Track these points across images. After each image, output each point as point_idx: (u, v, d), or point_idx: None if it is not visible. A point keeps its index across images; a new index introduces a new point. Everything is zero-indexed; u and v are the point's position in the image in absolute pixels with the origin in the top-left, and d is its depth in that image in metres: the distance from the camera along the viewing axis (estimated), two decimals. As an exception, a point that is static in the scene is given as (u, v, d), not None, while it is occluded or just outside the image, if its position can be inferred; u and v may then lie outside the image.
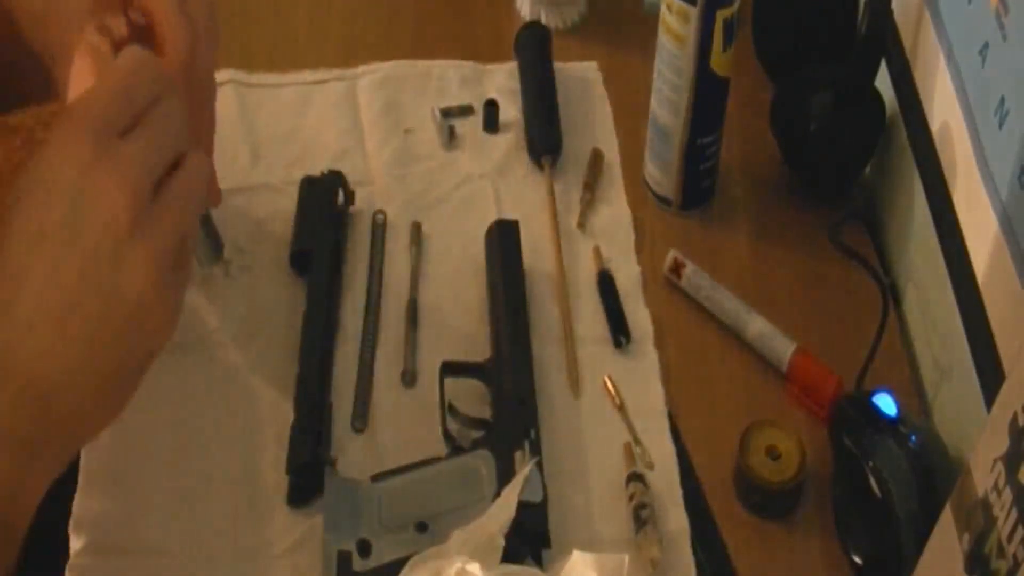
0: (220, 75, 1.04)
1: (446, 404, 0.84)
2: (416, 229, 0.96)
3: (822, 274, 0.95)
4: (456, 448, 0.82)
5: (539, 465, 0.79)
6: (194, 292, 0.91)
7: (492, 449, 0.80)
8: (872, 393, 0.82)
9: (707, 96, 0.92)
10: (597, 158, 1.01)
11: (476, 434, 0.82)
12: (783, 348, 0.88)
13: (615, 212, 0.98)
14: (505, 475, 0.78)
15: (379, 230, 0.96)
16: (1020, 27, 0.74)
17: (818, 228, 0.94)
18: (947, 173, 0.86)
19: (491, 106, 1.03)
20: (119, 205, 0.64)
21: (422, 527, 0.77)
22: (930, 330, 0.90)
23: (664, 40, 0.90)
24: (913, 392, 0.89)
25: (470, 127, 1.03)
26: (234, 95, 1.02)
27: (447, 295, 0.93)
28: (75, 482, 0.82)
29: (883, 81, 0.95)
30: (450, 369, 0.86)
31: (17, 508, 0.66)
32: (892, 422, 0.80)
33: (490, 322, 0.89)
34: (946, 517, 0.63)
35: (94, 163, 0.64)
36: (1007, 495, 0.56)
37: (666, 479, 0.83)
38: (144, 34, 0.74)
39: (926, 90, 0.90)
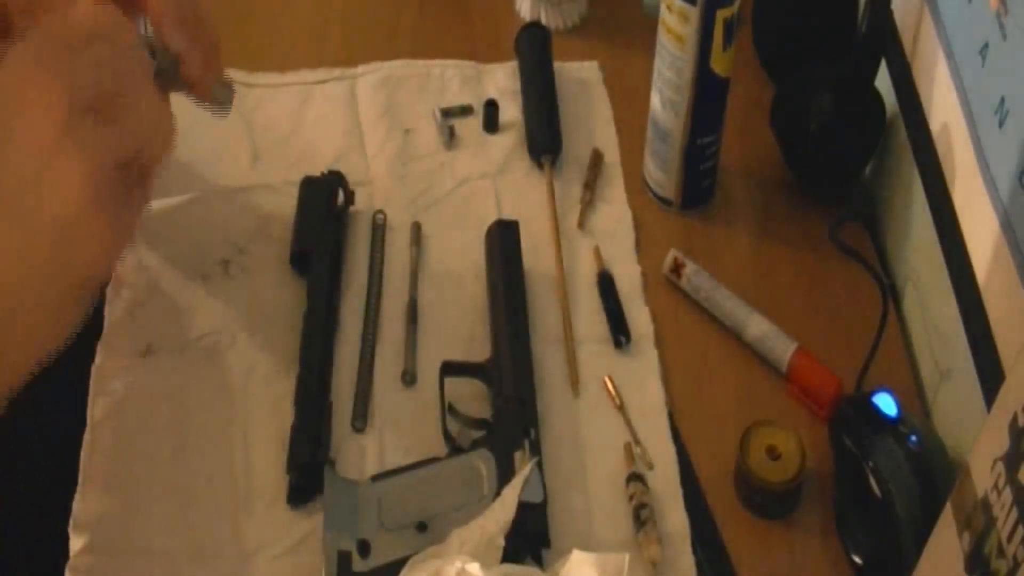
0: (220, 75, 1.04)
1: (446, 404, 0.84)
2: (416, 229, 0.96)
3: (822, 274, 0.95)
4: (456, 448, 0.82)
5: (539, 465, 0.79)
6: (194, 292, 0.91)
7: (492, 449, 0.80)
8: (872, 393, 0.82)
9: (707, 96, 0.92)
10: (597, 158, 1.01)
11: (476, 434, 0.82)
12: (783, 348, 0.88)
13: (615, 212, 0.98)
14: (505, 475, 0.78)
15: (379, 230, 0.96)
16: (1020, 27, 0.74)
17: (818, 228, 0.94)
18: (947, 173, 0.86)
19: (491, 106, 1.03)
20: (48, 114, 0.60)
21: (422, 527, 0.77)
22: (930, 330, 0.90)
23: (664, 40, 0.90)
24: (913, 392, 0.89)
25: (470, 127, 1.03)
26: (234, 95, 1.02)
27: (447, 295, 0.93)
28: (75, 482, 0.82)
29: (883, 81, 0.95)
30: (450, 369, 0.86)
31: None
32: (892, 422, 0.80)
33: (490, 322, 0.89)
34: (946, 517, 0.63)
35: (35, 68, 0.61)
36: (1007, 495, 0.56)
37: (666, 479, 0.83)
38: None
39: (926, 90, 0.90)
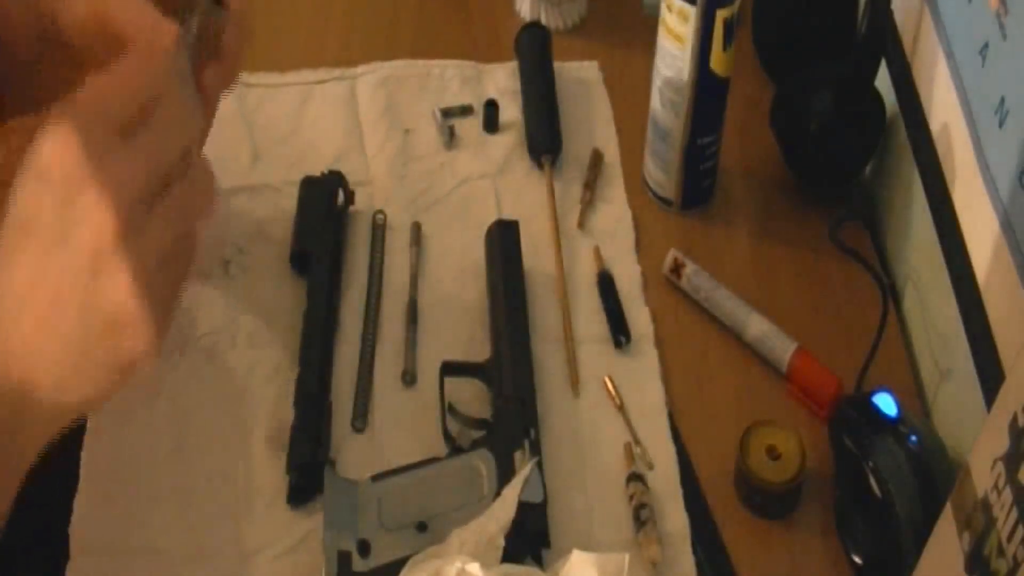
0: (220, 75, 1.04)
1: (446, 404, 0.84)
2: (416, 229, 0.96)
3: (822, 274, 0.95)
4: (456, 448, 0.82)
5: (539, 465, 0.79)
6: (194, 292, 0.91)
7: (492, 449, 0.80)
8: (872, 393, 0.82)
9: (707, 96, 0.92)
10: (597, 158, 1.01)
11: (476, 434, 0.82)
12: (783, 348, 0.88)
13: (615, 212, 0.98)
14: (505, 475, 0.78)
15: (379, 230, 0.96)
16: (1020, 27, 0.74)
17: (818, 228, 0.94)
18: (947, 173, 0.86)
19: (491, 106, 1.03)
20: (108, 219, 0.62)
21: (422, 527, 0.77)
22: (930, 330, 0.90)
23: (664, 40, 0.90)
24: (913, 392, 0.89)
25: (470, 127, 1.03)
26: (234, 95, 1.02)
27: (447, 295, 0.93)
28: (75, 482, 0.82)
29: (883, 81, 0.95)
30: (450, 369, 0.86)
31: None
32: (892, 422, 0.80)
33: (490, 322, 0.89)
34: (946, 517, 0.63)
35: (89, 167, 0.62)
36: (1007, 495, 0.56)
37: (666, 479, 0.83)
38: None
39: (926, 90, 0.90)
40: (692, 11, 0.87)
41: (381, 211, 0.96)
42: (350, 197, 0.95)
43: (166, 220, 0.64)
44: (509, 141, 1.02)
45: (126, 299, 0.62)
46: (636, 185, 1.00)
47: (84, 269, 0.62)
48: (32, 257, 0.63)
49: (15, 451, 0.66)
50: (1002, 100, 0.76)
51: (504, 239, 0.92)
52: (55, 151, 0.62)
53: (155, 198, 0.64)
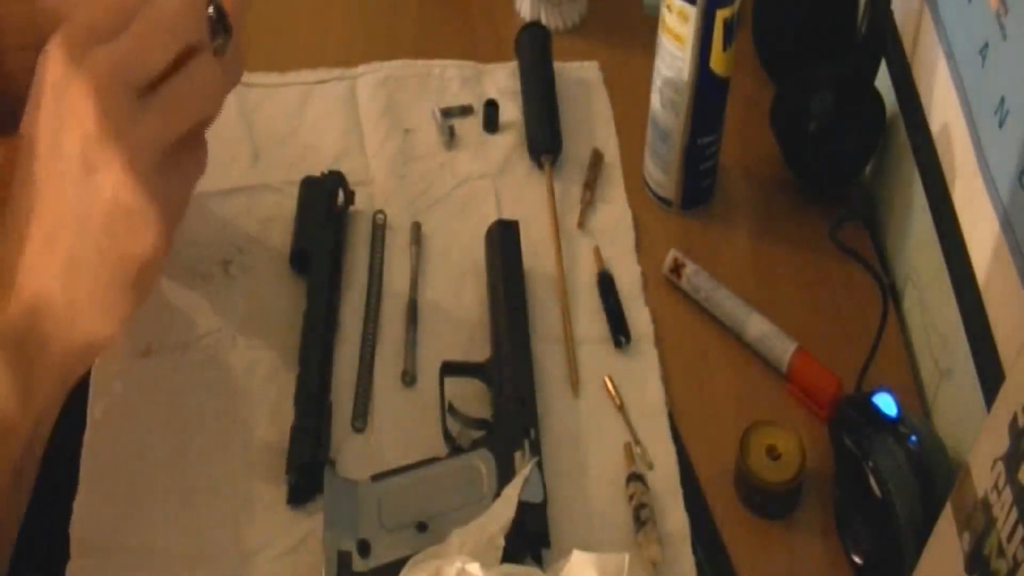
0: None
1: (446, 404, 0.84)
2: (416, 229, 0.96)
3: (822, 274, 0.95)
4: (456, 448, 0.82)
5: (539, 465, 0.79)
6: (194, 292, 0.91)
7: (492, 449, 0.80)
8: (872, 393, 0.82)
9: (707, 96, 0.92)
10: (597, 158, 1.01)
11: (476, 434, 0.82)
12: (783, 348, 0.88)
13: (615, 212, 0.98)
14: (505, 475, 0.78)
15: (379, 230, 0.96)
16: (1020, 27, 0.74)
17: (818, 228, 0.94)
18: (947, 173, 0.86)
19: (491, 106, 1.03)
20: (90, 107, 0.61)
21: (422, 527, 0.77)
22: (930, 330, 0.90)
23: (664, 40, 0.90)
24: (913, 392, 0.89)
25: (470, 127, 1.03)
26: (234, 95, 1.01)
27: (447, 295, 0.93)
28: (75, 482, 0.82)
29: (883, 81, 0.95)
30: (450, 369, 0.86)
31: (21, 411, 0.66)
32: (892, 422, 0.80)
33: (490, 322, 0.89)
34: (946, 517, 0.63)
35: (69, 68, 0.61)
36: (1007, 495, 0.56)
37: (666, 479, 0.83)
38: None
39: (926, 90, 0.90)
40: (692, 11, 0.87)
41: (381, 211, 0.96)
42: (350, 197, 0.95)
43: (163, 112, 0.63)
44: (509, 141, 1.02)
45: (121, 189, 0.61)
46: (636, 185, 1.00)
47: (75, 164, 0.61)
48: (34, 177, 0.63)
49: (42, 375, 0.66)
50: (1002, 100, 0.76)
51: (504, 239, 0.92)
52: (41, 69, 0.62)
53: (149, 90, 0.63)
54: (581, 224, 0.97)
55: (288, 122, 1.03)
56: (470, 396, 0.85)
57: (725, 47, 0.89)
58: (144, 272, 0.66)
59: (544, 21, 1.10)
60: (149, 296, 0.67)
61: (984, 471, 0.58)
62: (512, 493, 0.76)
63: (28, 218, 0.64)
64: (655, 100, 0.94)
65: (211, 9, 0.68)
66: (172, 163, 0.64)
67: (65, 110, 0.62)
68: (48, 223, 0.64)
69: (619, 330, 0.90)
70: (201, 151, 0.68)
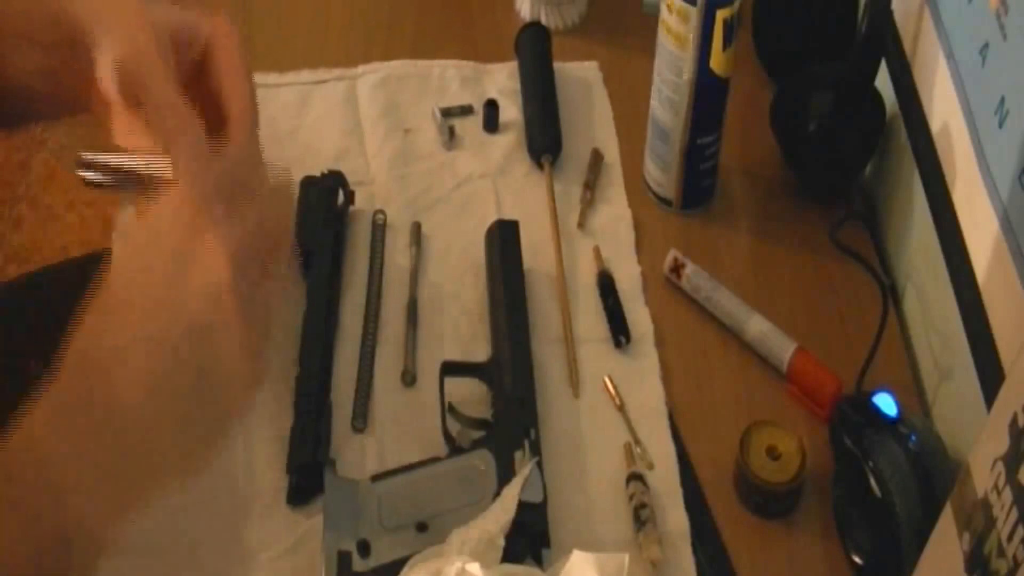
0: (220, 75, 1.04)
1: (446, 404, 0.84)
2: (416, 229, 0.96)
3: (822, 274, 0.95)
4: (456, 448, 0.82)
5: (539, 465, 0.79)
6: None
7: (492, 449, 0.80)
8: (872, 393, 0.82)
9: (707, 96, 0.92)
10: (597, 158, 1.01)
11: (476, 434, 0.82)
12: (783, 348, 0.88)
13: (615, 212, 0.98)
14: (505, 475, 0.78)
15: (379, 230, 0.96)
16: (1020, 27, 0.74)
17: (818, 228, 0.94)
18: (947, 173, 0.86)
19: (491, 106, 1.03)
20: (221, 266, 0.65)
21: (422, 527, 0.77)
22: (930, 330, 0.90)
23: (664, 40, 0.90)
24: (913, 392, 0.89)
25: (470, 127, 1.03)
26: (234, 95, 1.02)
27: (447, 295, 0.93)
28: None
29: (883, 81, 0.95)
30: (450, 369, 0.86)
31: (85, 531, 0.66)
32: (892, 422, 0.80)
33: (490, 322, 0.89)
34: (946, 517, 0.63)
35: (200, 226, 0.65)
36: (1007, 495, 0.56)
37: (666, 479, 0.83)
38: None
39: (926, 90, 0.90)
40: (692, 11, 0.87)
41: (381, 211, 0.96)
42: (350, 197, 0.95)
43: (266, 286, 0.68)
44: (509, 141, 1.02)
45: (235, 344, 0.65)
46: (636, 185, 1.00)
47: (199, 313, 0.64)
48: (145, 300, 0.65)
49: (111, 497, 0.66)
50: (1002, 100, 0.76)
51: (504, 239, 0.92)
52: (167, 215, 0.66)
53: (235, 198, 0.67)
54: (581, 224, 0.97)
55: (288, 122, 1.03)
56: (470, 396, 0.85)
57: (725, 47, 0.89)
58: (226, 425, 0.69)
59: (544, 21, 1.10)
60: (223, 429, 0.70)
61: (984, 471, 0.58)
62: (512, 493, 0.76)
63: (116, 323, 0.65)
64: (655, 100, 0.94)
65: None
66: (256, 280, 0.68)
67: (195, 257, 0.65)
68: (149, 343, 0.65)
69: (619, 330, 0.90)
70: (278, 276, 0.72)
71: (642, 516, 0.80)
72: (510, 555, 0.74)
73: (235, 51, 0.75)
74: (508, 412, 0.83)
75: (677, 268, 0.93)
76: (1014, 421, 0.56)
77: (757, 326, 0.90)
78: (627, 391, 0.88)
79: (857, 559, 0.80)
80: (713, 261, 0.94)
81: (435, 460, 0.81)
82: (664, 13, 0.89)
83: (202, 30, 0.74)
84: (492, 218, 0.94)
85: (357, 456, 0.84)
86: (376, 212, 0.96)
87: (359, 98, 1.05)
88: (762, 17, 1.05)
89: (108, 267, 0.66)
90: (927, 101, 0.90)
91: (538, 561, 0.77)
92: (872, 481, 0.78)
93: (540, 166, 1.00)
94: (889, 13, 0.92)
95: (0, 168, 2.09)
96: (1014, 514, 0.55)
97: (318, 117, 1.04)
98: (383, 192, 0.98)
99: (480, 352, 0.88)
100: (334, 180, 0.95)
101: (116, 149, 0.76)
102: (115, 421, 0.64)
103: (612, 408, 0.87)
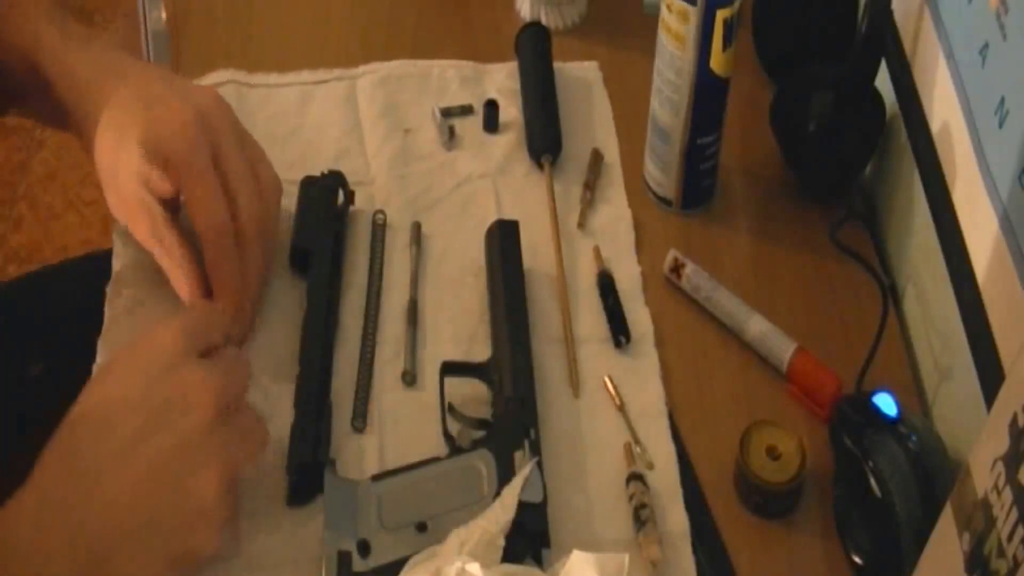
0: (220, 75, 1.05)
1: (446, 404, 0.84)
2: (416, 229, 0.96)
3: (822, 274, 0.95)
4: (456, 448, 0.82)
5: (539, 465, 0.79)
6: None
7: (492, 449, 0.80)
8: (872, 393, 0.82)
9: (707, 96, 0.92)
10: (597, 158, 1.01)
11: (476, 434, 0.82)
12: (783, 348, 0.88)
13: (615, 212, 0.98)
14: (505, 475, 0.78)
15: (379, 230, 0.96)
16: (1020, 27, 0.74)
17: (818, 228, 0.94)
18: (947, 173, 0.86)
19: (491, 106, 1.03)
20: (207, 402, 0.71)
21: (422, 527, 0.77)
22: (930, 330, 0.90)
23: (664, 40, 0.90)
24: (913, 392, 0.89)
25: (470, 127, 1.03)
26: (234, 95, 1.02)
27: (447, 295, 0.93)
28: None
29: (883, 81, 0.95)
30: (450, 369, 0.86)
31: None
32: (892, 422, 0.80)
33: (490, 322, 0.89)
34: (946, 517, 0.63)
35: (187, 362, 0.72)
36: (1007, 495, 0.56)
37: (666, 479, 0.83)
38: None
39: (926, 90, 0.90)
40: (692, 11, 0.87)
41: (381, 211, 0.96)
42: (350, 197, 0.95)
43: (241, 433, 0.74)
44: (509, 141, 1.02)
45: (210, 492, 0.70)
46: (636, 185, 1.00)
47: (184, 455, 0.70)
48: (130, 435, 0.70)
49: None
50: (1002, 100, 0.76)
51: (504, 239, 0.92)
52: (154, 348, 0.73)
53: (230, 417, 0.73)
54: (581, 224, 0.97)
55: (288, 122, 1.03)
56: (470, 396, 0.85)
57: (725, 47, 0.89)
58: (189, 571, 0.73)
59: (544, 21, 1.10)
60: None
61: (984, 471, 0.58)
62: (512, 493, 0.76)
63: (102, 457, 0.70)
64: (655, 100, 0.94)
65: None
66: (230, 492, 0.73)
67: (181, 389, 0.71)
68: (132, 481, 0.69)
69: (619, 330, 0.90)
70: (236, 495, 0.78)
71: (642, 516, 0.80)
72: (510, 555, 0.74)
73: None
74: (508, 412, 0.83)
75: (677, 268, 0.93)
76: (1014, 421, 0.56)
77: (757, 326, 0.90)
78: (627, 391, 0.88)
79: (857, 559, 0.80)
80: (713, 261, 0.94)
81: (435, 460, 0.81)
82: (664, 13, 0.89)
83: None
84: (492, 218, 0.94)
85: (357, 456, 0.84)
86: (376, 212, 0.96)
87: (359, 98, 1.05)
88: (762, 17, 1.05)
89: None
90: (927, 101, 0.90)
91: (538, 561, 0.77)
92: (872, 481, 0.78)
93: (540, 166, 1.00)
94: (889, 13, 0.92)
95: (0, 168, 2.09)
96: (1014, 514, 0.55)
97: (318, 117, 1.04)
98: (383, 192, 0.98)
99: (480, 352, 0.88)
100: (334, 180, 0.95)
101: None
102: (94, 551, 0.68)
103: (612, 408, 0.87)
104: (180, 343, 0.73)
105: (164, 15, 1.12)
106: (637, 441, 0.85)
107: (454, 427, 0.83)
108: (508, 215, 0.95)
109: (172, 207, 0.85)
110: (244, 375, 0.77)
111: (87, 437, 0.70)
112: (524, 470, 0.77)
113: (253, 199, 0.85)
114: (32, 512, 0.67)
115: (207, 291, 0.84)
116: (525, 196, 0.99)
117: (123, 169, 0.83)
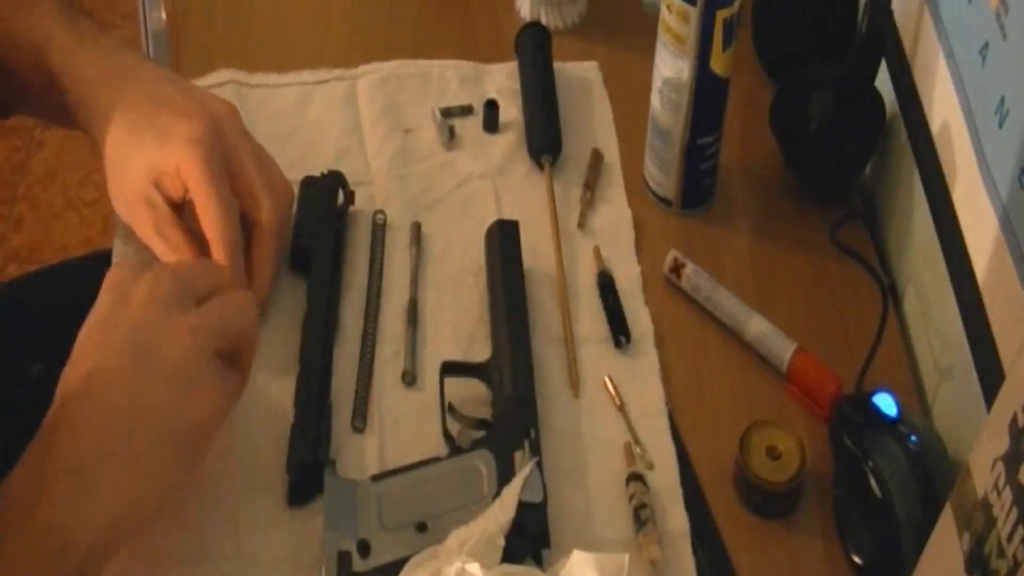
0: (220, 75, 1.05)
1: (446, 404, 0.84)
2: (416, 229, 0.96)
3: (822, 274, 0.95)
4: (456, 448, 0.82)
5: (539, 465, 0.79)
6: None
7: (492, 449, 0.80)
8: (872, 393, 0.82)
9: (707, 96, 0.92)
10: (597, 158, 1.01)
11: (476, 434, 0.82)
12: (783, 348, 0.88)
13: (615, 212, 0.98)
14: (505, 475, 0.78)
15: (379, 230, 0.96)
16: (1020, 27, 0.74)
17: (818, 228, 0.94)
18: (947, 173, 0.86)
19: (491, 106, 1.03)
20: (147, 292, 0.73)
21: (422, 527, 0.77)
22: (930, 330, 0.90)
23: (664, 40, 0.90)
24: (913, 392, 0.89)
25: (470, 127, 1.03)
26: (234, 95, 1.02)
27: (447, 295, 0.93)
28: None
29: (883, 81, 0.95)
30: (450, 369, 0.86)
31: (78, 549, 0.69)
32: (892, 422, 0.80)
33: (490, 322, 0.89)
34: (946, 517, 0.63)
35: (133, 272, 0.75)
36: (1007, 495, 0.56)
37: (666, 479, 0.83)
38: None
39: (926, 90, 0.90)
40: (692, 11, 0.87)
41: (381, 211, 0.96)
42: (350, 197, 0.95)
43: (214, 312, 0.75)
44: (509, 141, 1.02)
45: (186, 350, 0.72)
46: (636, 185, 1.00)
47: (147, 327, 0.72)
48: (109, 343, 0.72)
49: (92, 514, 0.69)
50: (1002, 100, 0.76)
51: (504, 239, 0.92)
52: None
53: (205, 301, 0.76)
54: (581, 224, 0.97)
55: (288, 122, 1.03)
56: (470, 396, 0.85)
57: (725, 47, 0.89)
58: (196, 440, 0.73)
59: (544, 21, 1.10)
60: (197, 465, 0.74)
61: (984, 471, 0.58)
62: (512, 493, 0.76)
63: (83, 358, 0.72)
64: (655, 100, 0.94)
65: None
66: (224, 364, 0.75)
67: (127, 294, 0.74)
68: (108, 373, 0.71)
69: (619, 330, 0.90)
70: (243, 376, 0.78)
71: (642, 516, 0.80)
72: (510, 555, 0.74)
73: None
74: (508, 412, 0.83)
75: (677, 268, 0.93)
76: (1014, 421, 0.56)
77: (757, 326, 0.90)
78: (627, 391, 0.88)
79: (857, 559, 0.80)
80: (713, 261, 0.94)
81: (435, 460, 0.81)
82: (664, 13, 0.89)
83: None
84: (492, 218, 0.94)
85: (357, 456, 0.84)
86: (376, 212, 0.96)
87: (359, 98, 1.05)
88: (762, 17, 1.05)
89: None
90: (927, 101, 0.90)
91: (538, 561, 0.77)
92: (872, 481, 0.78)
93: (540, 166, 1.00)
94: (889, 13, 0.92)
95: (0, 168, 2.09)
96: (1014, 514, 0.55)
97: (318, 117, 1.04)
98: (383, 192, 0.98)
99: (480, 352, 0.88)
100: (334, 180, 0.95)
101: None
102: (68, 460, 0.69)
103: (612, 408, 0.87)
104: (158, 294, 0.74)
105: (164, 15, 1.12)
106: (637, 441, 0.85)
107: (454, 427, 0.83)
108: (508, 215, 0.95)
109: (175, 207, 0.86)
110: (234, 321, 0.77)
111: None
112: (524, 470, 0.77)
113: (273, 208, 0.86)
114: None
115: None
116: (525, 196, 0.99)
117: (133, 163, 0.84)
